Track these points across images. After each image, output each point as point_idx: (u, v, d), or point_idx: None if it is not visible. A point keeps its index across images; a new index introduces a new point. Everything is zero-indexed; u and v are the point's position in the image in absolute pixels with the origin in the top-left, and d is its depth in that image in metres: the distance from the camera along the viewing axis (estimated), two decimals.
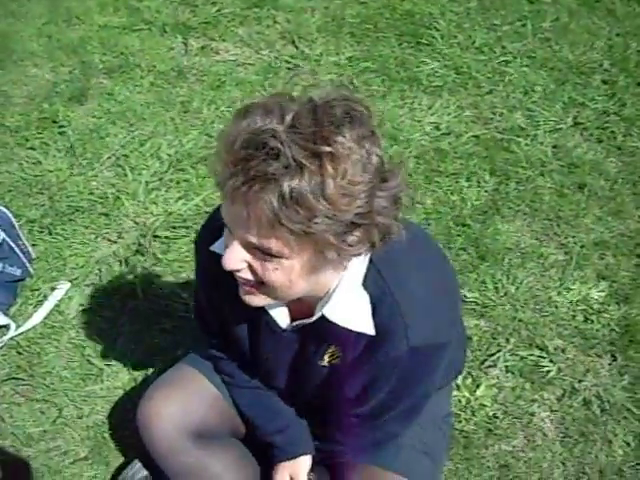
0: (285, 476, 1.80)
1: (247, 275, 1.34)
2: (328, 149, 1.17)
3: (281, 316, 1.55)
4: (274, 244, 1.24)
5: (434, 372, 1.57)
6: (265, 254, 1.27)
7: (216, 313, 1.69)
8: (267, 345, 1.64)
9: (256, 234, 1.24)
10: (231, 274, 1.37)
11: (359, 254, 1.32)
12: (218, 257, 1.37)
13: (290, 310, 1.55)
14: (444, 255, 1.64)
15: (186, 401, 1.80)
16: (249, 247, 1.28)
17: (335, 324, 1.44)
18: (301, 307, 1.50)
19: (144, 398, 1.83)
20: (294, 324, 1.55)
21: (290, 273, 1.30)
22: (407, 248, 1.36)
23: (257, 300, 1.40)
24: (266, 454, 1.86)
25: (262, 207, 1.19)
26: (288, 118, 1.19)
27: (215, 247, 1.51)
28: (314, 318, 1.47)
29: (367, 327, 1.43)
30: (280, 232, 1.22)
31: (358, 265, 1.40)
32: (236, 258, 1.31)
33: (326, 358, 1.57)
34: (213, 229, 1.51)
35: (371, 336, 1.44)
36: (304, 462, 1.80)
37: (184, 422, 1.77)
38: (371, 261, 1.41)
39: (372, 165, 1.22)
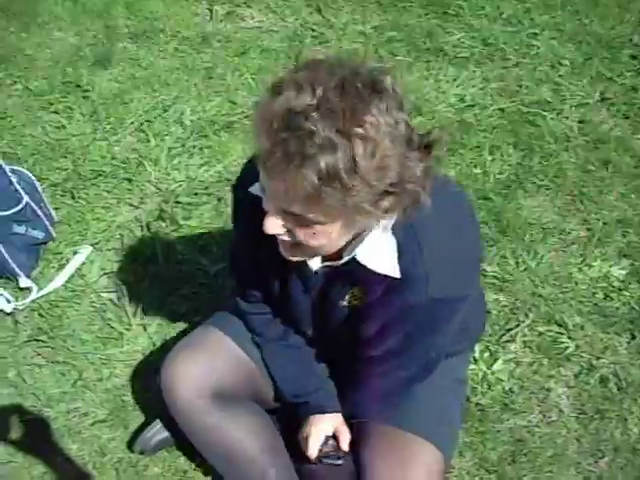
0: (327, 425, 1.83)
1: (286, 237, 1.41)
2: (358, 130, 1.22)
3: (313, 259, 1.60)
4: (314, 215, 1.31)
5: (448, 323, 1.62)
6: (303, 221, 1.34)
7: (250, 256, 1.73)
8: (296, 286, 1.69)
9: (297, 206, 1.31)
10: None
11: (391, 217, 1.39)
12: (255, 198, 1.46)
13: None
14: (474, 214, 1.67)
15: (209, 362, 1.82)
16: (289, 217, 1.36)
17: (362, 266, 1.51)
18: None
19: (167, 359, 1.86)
20: (324, 264, 1.60)
21: (327, 236, 1.38)
22: (438, 200, 1.41)
23: (296, 256, 1.49)
24: (290, 417, 1.89)
25: (302, 184, 1.25)
26: (319, 92, 1.23)
27: (253, 189, 1.56)
28: (344, 260, 1.52)
29: (393, 270, 1.49)
30: (320, 205, 1.28)
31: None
32: (276, 224, 1.38)
33: (347, 298, 1.63)
34: (249, 174, 1.56)
35: (393, 281, 1.50)
36: (340, 417, 1.84)
37: (206, 383, 1.80)
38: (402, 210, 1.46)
39: (400, 134, 1.27)
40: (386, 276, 1.50)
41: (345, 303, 1.64)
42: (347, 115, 1.22)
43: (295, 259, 1.50)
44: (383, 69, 1.30)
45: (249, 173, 1.61)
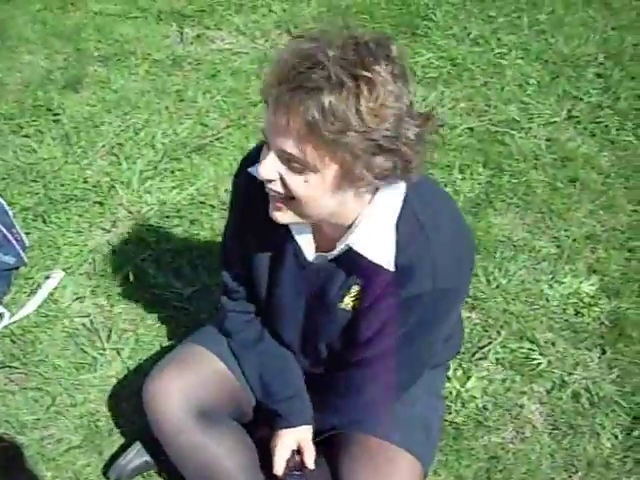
0: (290, 440, 1.82)
1: (278, 188, 1.44)
2: (366, 74, 1.31)
3: (307, 246, 1.63)
4: (307, 153, 1.36)
5: (446, 319, 1.65)
6: (296, 165, 1.38)
7: (243, 248, 1.75)
8: (287, 283, 1.70)
9: (292, 142, 1.36)
10: (264, 199, 1.50)
11: (382, 178, 1.41)
12: (253, 182, 1.55)
13: (316, 245, 1.63)
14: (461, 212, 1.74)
15: (192, 378, 1.82)
16: (283, 158, 1.39)
17: (359, 258, 1.53)
18: (326, 242, 1.59)
19: (150, 375, 1.85)
20: (319, 254, 1.62)
21: (318, 187, 1.40)
22: (440, 198, 1.56)
23: (285, 217, 1.50)
24: (263, 439, 1.89)
25: (303, 115, 1.32)
26: (334, 46, 1.33)
27: (252, 170, 1.60)
28: (339, 248, 1.56)
29: (388, 262, 1.52)
30: (315, 141, 1.34)
31: (390, 203, 1.50)
32: (271, 167, 1.41)
33: (346, 300, 1.65)
34: (251, 159, 1.63)
35: (397, 272, 1.52)
36: (308, 430, 1.83)
37: (190, 399, 1.79)
38: (407, 203, 1.51)
39: (403, 100, 1.36)
40: (384, 267, 1.53)
41: (343, 305, 1.65)
42: (358, 62, 1.32)
43: (282, 220, 1.50)
44: (394, 43, 1.38)
45: (250, 157, 1.67)
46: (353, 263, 1.57)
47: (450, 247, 1.54)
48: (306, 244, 1.63)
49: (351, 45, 1.33)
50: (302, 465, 1.81)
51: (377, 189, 1.48)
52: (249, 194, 1.65)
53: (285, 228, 1.60)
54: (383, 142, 1.35)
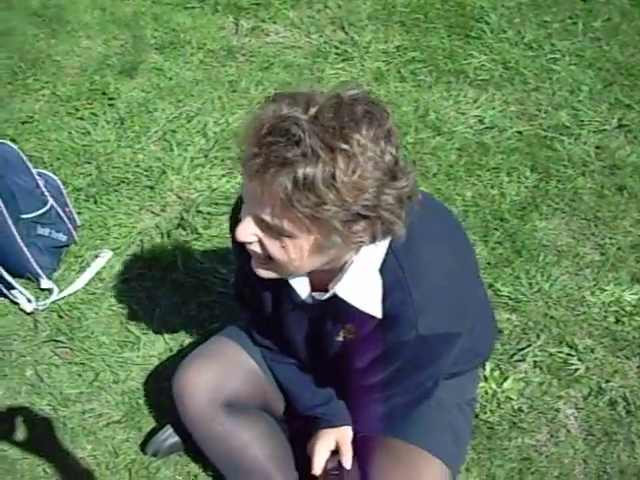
0: (331, 440, 1.85)
1: (256, 249, 1.44)
2: (344, 146, 1.26)
3: (301, 287, 1.62)
4: (284, 224, 1.34)
5: (440, 359, 1.64)
6: (275, 232, 1.37)
7: (247, 283, 1.77)
8: (288, 317, 1.73)
9: (269, 213, 1.34)
10: None
11: (362, 243, 1.40)
12: None
13: (311, 282, 1.62)
14: (468, 245, 1.71)
15: (220, 372, 1.86)
16: (261, 224, 1.38)
17: (347, 304, 1.53)
18: (321, 280, 1.58)
19: (180, 367, 1.90)
20: (313, 294, 1.62)
21: (296, 252, 1.39)
22: (430, 238, 1.49)
23: (265, 273, 1.50)
24: (296, 432, 1.92)
25: (277, 189, 1.28)
26: (312, 110, 1.28)
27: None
28: (327, 295, 1.56)
29: (375, 310, 1.52)
30: (291, 214, 1.31)
31: (374, 250, 1.48)
32: (247, 232, 1.41)
33: (342, 334, 1.66)
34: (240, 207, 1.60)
35: (381, 319, 1.52)
36: (348, 431, 1.86)
37: (217, 392, 1.83)
38: (390, 247, 1.49)
39: (384, 163, 1.30)
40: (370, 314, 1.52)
41: (340, 338, 1.67)
42: (336, 131, 1.26)
43: (266, 275, 1.50)
44: (378, 101, 1.34)
45: (239, 207, 1.63)
46: (342, 308, 1.55)
47: (434, 293, 1.51)
48: (300, 285, 1.62)
49: (331, 108, 1.28)
50: (339, 465, 1.84)
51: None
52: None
53: None
54: (362, 212, 1.31)
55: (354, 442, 1.86)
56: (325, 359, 1.76)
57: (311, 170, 1.25)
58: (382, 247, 1.48)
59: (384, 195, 1.31)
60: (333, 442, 1.85)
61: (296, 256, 1.40)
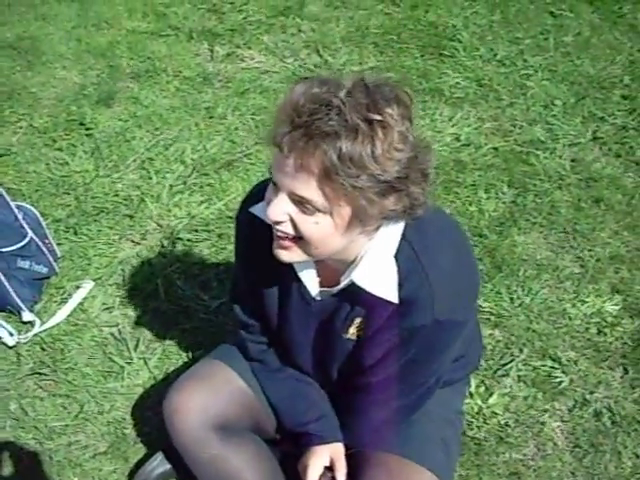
0: (325, 456, 1.84)
1: (287, 228, 1.45)
2: (379, 117, 1.33)
3: (311, 283, 1.64)
4: (319, 197, 1.37)
5: (448, 349, 1.67)
6: (308, 207, 1.40)
7: (250, 285, 1.78)
8: (295, 318, 1.73)
9: (306, 185, 1.37)
10: (266, 240, 1.52)
11: (391, 217, 1.45)
12: (256, 220, 1.59)
13: (320, 280, 1.65)
14: (469, 242, 1.76)
15: (212, 394, 1.86)
16: (294, 200, 1.40)
17: (362, 292, 1.55)
18: (330, 276, 1.61)
19: (171, 390, 1.89)
20: (323, 289, 1.65)
21: (328, 228, 1.42)
22: (438, 228, 1.56)
23: (290, 256, 1.51)
24: (285, 455, 1.92)
25: (319, 158, 1.33)
26: (344, 89, 1.35)
27: (254, 209, 1.64)
28: (343, 283, 1.57)
29: (392, 295, 1.54)
30: (329, 184, 1.35)
31: (389, 238, 1.52)
32: (280, 210, 1.42)
33: (351, 330, 1.67)
34: (253, 198, 1.66)
35: (398, 305, 1.55)
36: (341, 447, 1.85)
37: (208, 415, 1.83)
38: (404, 237, 1.53)
39: (409, 140, 1.38)
40: (386, 300, 1.55)
41: (349, 335, 1.68)
42: (370, 105, 1.33)
43: (286, 259, 1.52)
44: (402, 87, 1.41)
45: (251, 196, 1.70)
46: (357, 297, 1.59)
47: (449, 279, 1.55)
48: (310, 281, 1.65)
49: (361, 88, 1.35)
50: None
51: (380, 225, 1.50)
52: (252, 233, 1.67)
53: (289, 266, 1.62)
54: (395, 184, 1.37)
55: (347, 457, 1.85)
56: (331, 360, 1.77)
57: (354, 140, 1.31)
58: (396, 234, 1.53)
59: (412, 169, 1.39)
60: (327, 458, 1.85)
61: (327, 233, 1.43)
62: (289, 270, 1.63)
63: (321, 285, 1.66)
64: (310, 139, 1.32)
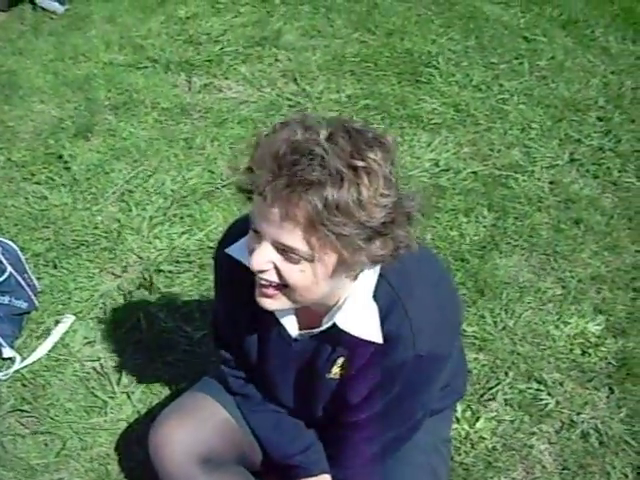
0: None
1: (271, 277, 1.43)
2: (363, 164, 1.32)
3: (291, 325, 1.63)
4: (305, 246, 1.35)
5: (433, 383, 1.66)
6: (293, 256, 1.38)
7: (229, 323, 1.77)
8: (275, 358, 1.72)
9: (290, 235, 1.35)
10: (245, 281, 1.50)
11: (377, 261, 1.43)
12: (234, 261, 1.56)
13: (299, 321, 1.63)
14: (448, 273, 1.73)
15: (196, 427, 1.83)
16: (278, 248, 1.38)
17: (344, 333, 1.54)
18: (310, 317, 1.60)
19: (155, 424, 1.86)
20: (303, 332, 1.63)
21: (314, 276, 1.40)
22: (415, 260, 1.52)
23: (274, 304, 1.49)
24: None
25: (304, 208, 1.31)
26: (325, 134, 1.33)
27: (231, 250, 1.62)
28: (325, 326, 1.56)
29: (376, 336, 1.53)
30: (314, 234, 1.34)
31: (368, 278, 1.52)
32: (264, 259, 1.40)
33: (334, 370, 1.66)
34: (230, 237, 1.65)
35: (379, 344, 1.53)
36: (328, 478, 1.84)
37: (194, 448, 1.80)
38: (381, 275, 1.53)
39: (393, 184, 1.37)
40: (369, 341, 1.54)
41: (332, 375, 1.67)
42: (354, 151, 1.32)
43: (269, 307, 1.50)
44: (385, 131, 1.45)
45: (229, 235, 1.68)
46: (338, 338, 1.57)
47: (428, 312, 1.55)
48: (289, 323, 1.63)
49: (342, 133, 1.34)
50: None
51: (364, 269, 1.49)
52: (230, 274, 1.65)
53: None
54: (380, 229, 1.36)
55: None
56: (315, 399, 1.75)
57: (339, 188, 1.29)
58: (374, 273, 1.52)
59: (397, 212, 1.37)
60: None
61: (313, 280, 1.41)
62: (268, 312, 1.59)
63: (300, 327, 1.64)
64: (294, 189, 1.30)
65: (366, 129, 1.38)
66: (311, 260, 1.38)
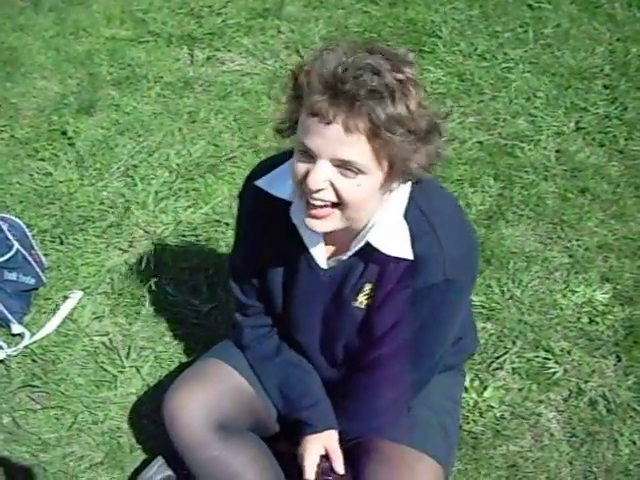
0: (318, 446, 1.83)
1: (328, 195, 1.48)
2: (406, 76, 1.41)
3: (320, 253, 1.67)
4: (366, 156, 1.42)
5: (455, 316, 1.70)
6: (352, 169, 1.43)
7: (254, 262, 1.79)
8: (301, 293, 1.74)
9: (353, 147, 1.41)
10: (274, 214, 1.61)
11: (416, 175, 1.50)
12: (261, 194, 1.64)
13: (327, 250, 1.68)
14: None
15: (212, 393, 1.85)
16: (337, 165, 1.44)
17: (374, 255, 1.59)
18: (338, 244, 1.65)
19: (170, 390, 1.88)
20: (333, 259, 1.67)
21: (369, 189, 1.47)
22: (441, 195, 1.66)
23: (325, 225, 1.53)
24: (285, 453, 1.92)
25: (366, 120, 1.38)
26: (366, 53, 1.41)
27: (261, 183, 1.67)
28: (354, 249, 1.61)
29: (406, 253, 1.57)
30: (376, 144, 1.41)
31: (399, 199, 1.58)
32: (322, 177, 1.45)
33: (360, 298, 1.68)
34: (258, 174, 1.71)
35: (410, 264, 1.58)
36: (334, 435, 1.85)
37: (209, 413, 1.82)
38: (411, 199, 1.58)
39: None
40: (400, 260, 1.58)
41: (358, 304, 1.69)
42: (394, 67, 1.40)
43: (318, 229, 1.54)
44: (409, 53, 1.49)
45: (256, 172, 1.72)
46: (368, 259, 1.62)
47: (456, 239, 1.61)
48: (318, 252, 1.67)
49: (379, 54, 1.41)
50: (331, 470, 1.83)
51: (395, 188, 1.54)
52: (256, 208, 1.71)
53: (297, 241, 1.65)
54: (425, 138, 1.45)
55: (346, 449, 1.85)
56: (339, 335, 1.77)
57: (393, 98, 1.38)
58: (404, 195, 1.58)
59: (433, 122, 1.47)
60: (321, 447, 1.84)
61: (368, 194, 1.47)
62: (296, 244, 1.66)
63: (328, 256, 1.68)
64: (356, 100, 1.37)
65: (394, 49, 1.46)
66: (367, 172, 1.44)
